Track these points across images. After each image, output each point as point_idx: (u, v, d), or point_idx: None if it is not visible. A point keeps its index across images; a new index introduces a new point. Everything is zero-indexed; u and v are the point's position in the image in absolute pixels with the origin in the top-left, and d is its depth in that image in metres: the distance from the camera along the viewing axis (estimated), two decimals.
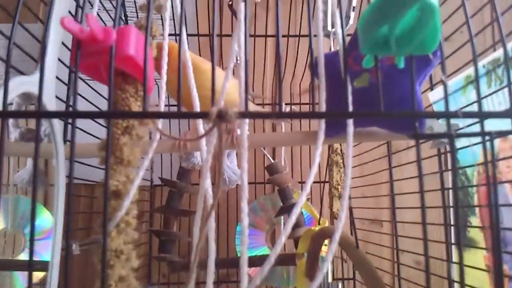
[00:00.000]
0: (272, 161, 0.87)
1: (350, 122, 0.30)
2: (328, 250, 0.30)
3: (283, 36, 0.97)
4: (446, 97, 0.30)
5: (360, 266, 0.58)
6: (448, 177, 0.74)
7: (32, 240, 0.33)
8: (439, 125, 0.52)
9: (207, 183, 0.35)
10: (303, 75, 1.06)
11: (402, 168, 0.91)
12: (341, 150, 0.93)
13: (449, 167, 0.76)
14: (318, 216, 0.79)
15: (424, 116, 0.29)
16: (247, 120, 0.30)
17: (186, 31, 0.39)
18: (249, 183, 1.08)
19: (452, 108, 0.31)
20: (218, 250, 1.01)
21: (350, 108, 0.30)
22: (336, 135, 0.54)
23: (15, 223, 0.96)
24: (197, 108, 0.38)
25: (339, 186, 0.94)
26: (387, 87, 0.48)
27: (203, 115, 0.29)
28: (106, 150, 0.29)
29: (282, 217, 0.91)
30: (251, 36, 0.95)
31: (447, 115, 0.29)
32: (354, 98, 0.33)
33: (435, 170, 0.65)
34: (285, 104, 1.07)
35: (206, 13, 0.94)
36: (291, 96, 1.12)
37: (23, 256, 0.94)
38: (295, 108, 1.08)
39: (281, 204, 0.86)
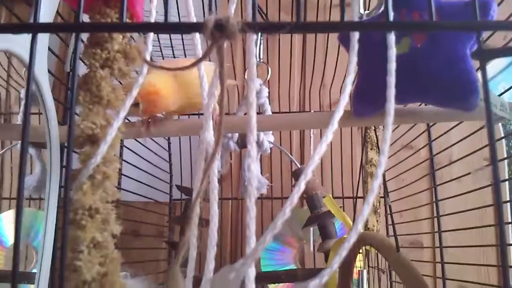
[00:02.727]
0: (299, 166, 0.78)
1: (392, 38, 0.22)
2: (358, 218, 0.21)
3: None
4: None
5: (403, 273, 0.49)
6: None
7: None
8: (494, 97, 0.44)
9: (209, 135, 0.28)
10: (332, 80, 0.99)
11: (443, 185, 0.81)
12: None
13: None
14: (351, 223, 0.70)
15: (490, 27, 0.22)
16: (254, 36, 0.23)
17: None
18: (276, 198, 1.00)
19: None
20: None
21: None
22: (370, 113, 0.46)
23: (28, 237, 0.91)
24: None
25: (374, 200, 0.85)
26: (433, 51, 0.41)
27: (197, 27, 0.22)
28: (71, 76, 0.22)
29: (311, 229, 0.82)
30: None
31: None
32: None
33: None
34: (314, 111, 1.01)
35: None
36: (321, 107, 1.06)
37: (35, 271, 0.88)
38: None
39: None
